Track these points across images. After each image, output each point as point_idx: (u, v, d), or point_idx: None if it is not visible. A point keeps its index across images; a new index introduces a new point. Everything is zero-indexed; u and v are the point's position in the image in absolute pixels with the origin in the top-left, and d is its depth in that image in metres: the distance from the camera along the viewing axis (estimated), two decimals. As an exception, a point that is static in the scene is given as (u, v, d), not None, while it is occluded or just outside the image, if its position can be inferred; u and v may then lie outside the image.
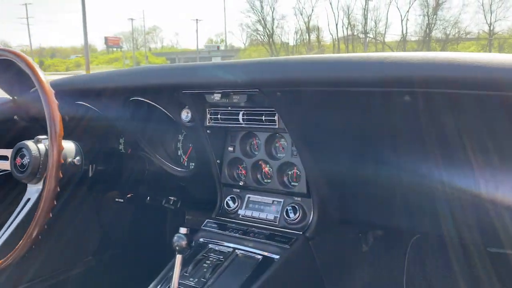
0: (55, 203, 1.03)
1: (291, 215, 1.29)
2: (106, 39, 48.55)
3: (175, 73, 1.24)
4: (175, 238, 1.14)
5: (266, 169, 1.39)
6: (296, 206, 1.30)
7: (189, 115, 1.37)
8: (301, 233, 1.26)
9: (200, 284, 1.16)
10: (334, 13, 58.73)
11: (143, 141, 1.52)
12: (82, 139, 1.36)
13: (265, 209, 1.37)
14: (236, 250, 1.26)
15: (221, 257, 1.25)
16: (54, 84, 1.47)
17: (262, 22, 46.30)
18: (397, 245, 1.57)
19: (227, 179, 1.44)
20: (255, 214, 1.37)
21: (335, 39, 45.07)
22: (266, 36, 46.85)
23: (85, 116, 1.49)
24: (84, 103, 1.51)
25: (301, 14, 46.70)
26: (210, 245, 1.31)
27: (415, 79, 0.83)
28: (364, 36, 42.99)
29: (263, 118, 1.24)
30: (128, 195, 1.87)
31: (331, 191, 1.27)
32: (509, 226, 1.04)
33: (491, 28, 38.51)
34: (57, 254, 1.69)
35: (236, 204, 1.42)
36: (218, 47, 51.02)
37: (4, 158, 1.25)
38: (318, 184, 1.25)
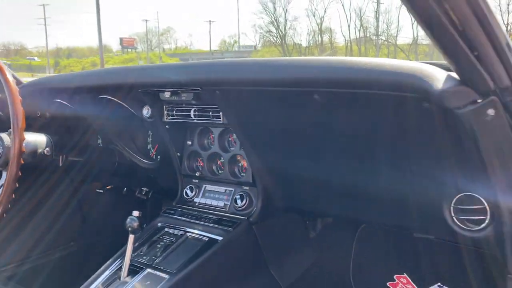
0: (17, 185, 1.18)
1: (239, 202, 1.43)
2: (121, 40, 49.20)
3: (130, 74, 1.39)
4: (128, 220, 1.28)
5: (220, 161, 1.53)
6: (244, 194, 1.44)
7: (149, 111, 1.52)
8: (245, 218, 1.40)
9: (150, 261, 1.31)
10: (346, 15, 58.55)
11: (114, 135, 1.67)
12: (55, 133, 1.52)
13: (218, 197, 1.51)
14: (187, 233, 1.40)
15: (174, 239, 1.40)
16: (32, 83, 1.63)
17: (275, 23, 46.42)
18: (345, 233, 1.69)
19: (186, 171, 1.59)
20: (209, 201, 1.51)
21: (347, 41, 45.01)
22: (278, 37, 46.96)
23: (60, 112, 1.64)
24: (61, 101, 1.67)
25: (314, 16, 46.74)
26: (166, 229, 1.46)
27: (312, 80, 0.97)
28: (376, 38, 42.81)
29: (210, 114, 1.38)
30: (108, 187, 2.03)
31: (273, 181, 1.40)
32: (426, 215, 1.17)
33: (508, 28, 37.96)
34: (39, 237, 1.84)
35: (194, 193, 1.56)
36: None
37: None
38: (261, 174, 1.39)
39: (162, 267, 1.27)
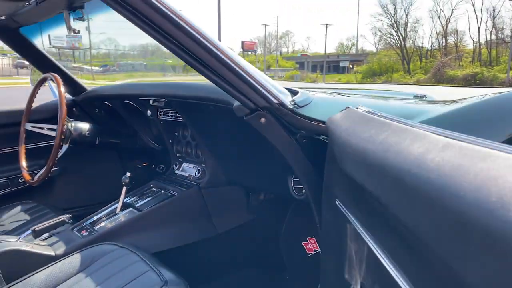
0: (60, 150, 2.07)
1: (197, 174, 2.17)
2: (242, 43, 52.24)
3: (134, 88, 2.21)
4: (123, 177, 2.10)
5: (192, 146, 2.28)
6: (200, 169, 2.17)
7: (150, 112, 2.34)
8: (197, 184, 2.13)
9: (134, 204, 2.11)
10: (476, 15, 54.06)
11: (136, 126, 2.53)
12: (97, 123, 2.42)
13: (188, 170, 2.27)
14: (162, 191, 2.18)
15: (153, 193, 2.19)
16: (91, 91, 2.55)
17: (395, 26, 45.01)
18: (282, 206, 2.31)
19: (174, 152, 2.37)
20: (182, 173, 2.28)
21: (476, 43, 41.76)
22: (398, 40, 45.43)
23: (104, 109, 2.55)
24: (107, 103, 2.57)
25: (439, 17, 44.22)
26: (153, 188, 2.26)
27: (193, 96, 1.67)
28: (511, 41, 38.97)
29: (177, 115, 2.15)
30: (145, 164, 2.91)
31: (216, 161, 2.11)
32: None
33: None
34: (96, 194, 2.77)
35: (177, 167, 2.34)
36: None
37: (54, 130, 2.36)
38: (207, 156, 2.11)
39: (138, 208, 2.07)
